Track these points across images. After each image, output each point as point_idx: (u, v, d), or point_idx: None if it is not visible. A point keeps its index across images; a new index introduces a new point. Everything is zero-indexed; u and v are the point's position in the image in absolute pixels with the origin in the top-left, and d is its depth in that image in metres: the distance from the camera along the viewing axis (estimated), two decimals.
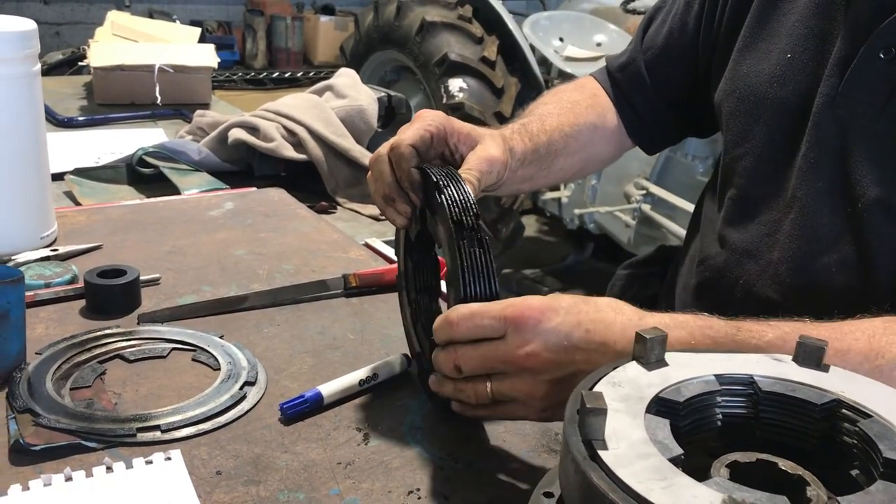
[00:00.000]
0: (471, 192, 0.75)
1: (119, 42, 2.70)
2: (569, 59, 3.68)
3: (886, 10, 0.81)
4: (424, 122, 0.84)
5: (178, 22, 3.73)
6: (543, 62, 3.65)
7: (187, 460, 0.69)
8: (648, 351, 0.57)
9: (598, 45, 3.88)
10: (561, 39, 3.80)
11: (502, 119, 3.26)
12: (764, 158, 0.93)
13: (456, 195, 0.73)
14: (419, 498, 0.66)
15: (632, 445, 0.48)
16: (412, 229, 0.83)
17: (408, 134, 0.82)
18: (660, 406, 0.53)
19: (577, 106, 1.10)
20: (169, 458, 0.69)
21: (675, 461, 0.47)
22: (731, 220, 0.96)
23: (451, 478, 0.69)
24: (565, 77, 3.68)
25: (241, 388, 0.79)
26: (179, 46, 2.64)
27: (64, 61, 3.60)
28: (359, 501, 0.65)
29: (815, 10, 0.88)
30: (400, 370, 0.84)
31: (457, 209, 0.72)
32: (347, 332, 0.93)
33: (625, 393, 0.54)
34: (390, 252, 1.19)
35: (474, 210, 0.72)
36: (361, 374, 0.81)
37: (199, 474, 0.68)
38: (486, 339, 0.67)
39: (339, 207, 1.70)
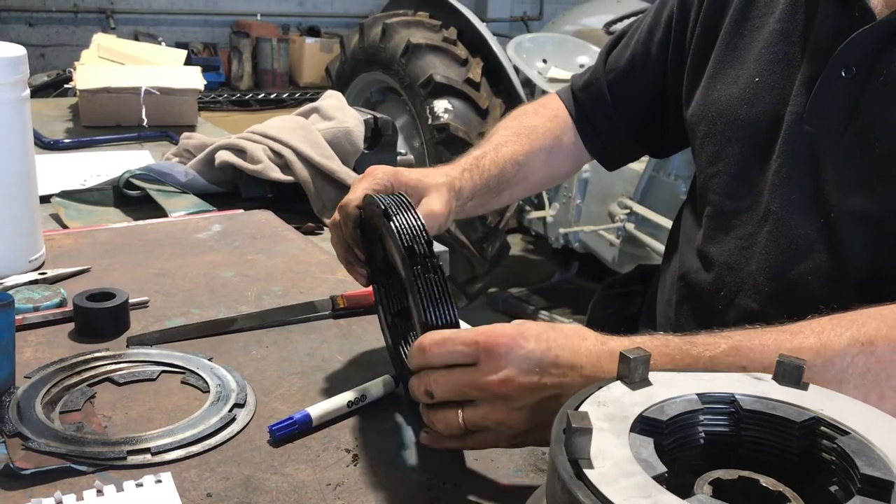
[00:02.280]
0: (421, 218, 0.76)
1: (105, 64, 2.70)
2: (552, 80, 3.72)
3: (844, 32, 0.85)
4: (373, 180, 0.88)
5: (163, 44, 3.75)
6: (527, 83, 3.69)
7: (178, 483, 0.69)
8: (632, 371, 0.58)
9: (581, 66, 3.93)
10: (544, 61, 3.85)
11: None
12: (738, 175, 0.96)
13: (406, 223, 0.74)
14: None
15: (617, 464, 0.49)
16: (377, 258, 0.86)
17: (356, 194, 0.86)
18: (644, 425, 0.55)
19: (535, 131, 1.14)
20: (159, 481, 0.69)
21: (658, 479, 0.49)
22: (709, 236, 0.99)
23: (440, 498, 0.70)
24: None
25: (230, 411, 0.80)
26: (165, 69, 2.65)
27: (49, 83, 3.60)
28: None
29: (779, 36, 0.93)
30: (386, 391, 0.85)
31: (407, 237, 0.73)
32: (336, 354, 0.94)
33: (609, 412, 0.55)
34: None
35: (425, 237, 0.73)
36: (349, 395, 0.82)
37: (190, 496, 0.68)
38: (458, 365, 0.68)
39: (325, 228, 1.71)
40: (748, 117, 0.94)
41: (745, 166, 0.95)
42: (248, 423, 0.79)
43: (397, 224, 0.74)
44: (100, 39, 2.91)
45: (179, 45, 3.89)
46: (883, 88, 0.83)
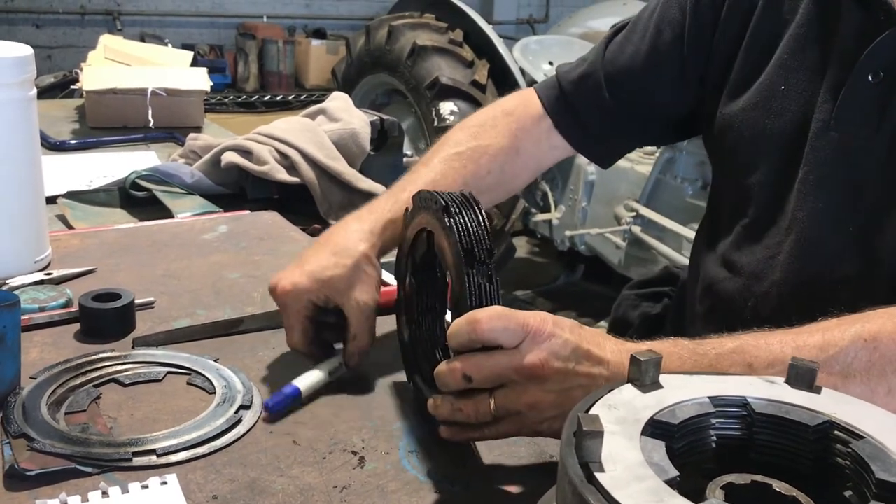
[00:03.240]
0: (485, 218, 0.74)
1: (112, 66, 2.71)
2: None
3: (869, 36, 0.83)
4: (297, 315, 0.88)
5: (170, 46, 3.76)
6: (533, 85, 3.69)
7: (183, 484, 0.69)
8: (643, 373, 0.58)
9: None
10: (551, 63, 3.84)
11: None
12: (764, 184, 0.95)
13: (468, 223, 0.71)
14: None
15: (628, 468, 0.49)
16: (417, 253, 0.84)
17: (295, 340, 0.89)
18: (655, 428, 0.54)
19: (485, 153, 1.07)
20: (165, 483, 0.69)
21: (670, 483, 0.48)
22: (735, 245, 0.98)
23: (447, 501, 0.69)
24: None
25: (236, 412, 0.80)
26: (172, 70, 2.65)
27: (56, 84, 3.60)
28: None
29: (802, 42, 0.91)
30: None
31: (467, 238, 0.71)
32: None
33: (620, 415, 0.54)
34: (384, 275, 1.20)
35: (487, 244, 0.71)
36: (329, 363, 0.86)
37: (196, 499, 0.68)
38: (499, 348, 0.68)
39: None
40: (775, 127, 0.93)
41: (772, 176, 0.94)
42: (254, 425, 0.78)
43: (457, 223, 0.71)
44: (106, 41, 2.91)
45: (185, 47, 3.89)
46: None
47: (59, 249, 1.19)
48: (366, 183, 1.79)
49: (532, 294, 3.96)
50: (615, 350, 0.70)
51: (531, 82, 3.66)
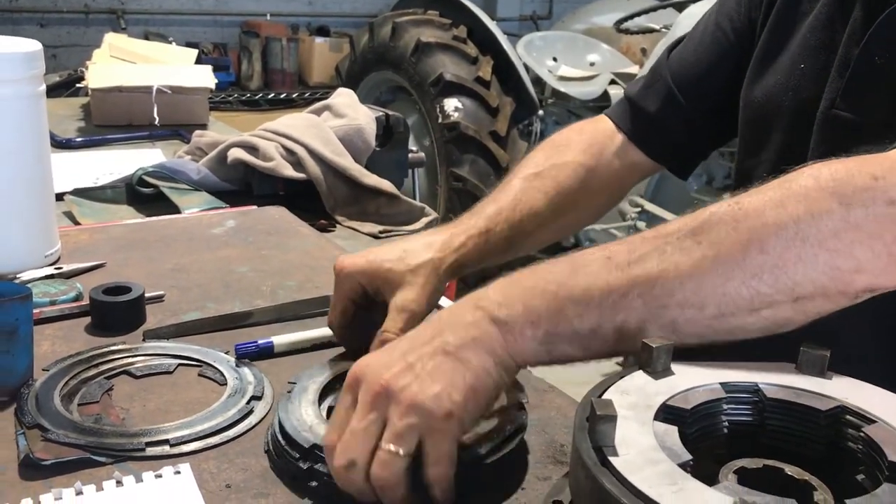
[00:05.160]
0: None
1: (117, 64, 2.71)
2: (562, 78, 3.71)
3: (876, 14, 0.84)
4: (343, 294, 0.87)
5: (174, 44, 3.76)
6: (538, 82, 3.69)
7: (196, 474, 0.69)
8: (655, 360, 0.58)
9: (592, 64, 3.92)
10: (555, 59, 3.84)
11: (497, 138, 3.29)
12: (778, 163, 0.95)
13: None
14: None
15: (641, 452, 0.49)
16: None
17: (333, 316, 0.89)
18: (667, 414, 0.54)
19: (563, 170, 1.04)
20: (178, 472, 0.69)
21: (684, 466, 0.48)
22: None
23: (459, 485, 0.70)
24: (559, 96, 3.72)
25: (248, 403, 0.80)
26: (177, 68, 2.66)
27: (61, 83, 3.61)
28: None
29: (824, 21, 0.92)
30: None
31: None
32: None
33: (632, 401, 0.55)
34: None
35: None
36: (316, 333, 0.92)
37: (209, 488, 0.68)
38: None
39: (337, 226, 1.71)
40: (792, 106, 0.93)
41: (786, 155, 0.94)
42: (265, 415, 0.79)
43: None
44: (111, 39, 2.92)
45: (189, 46, 3.89)
46: None
47: (69, 244, 1.20)
48: (371, 179, 1.79)
49: None
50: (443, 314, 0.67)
51: (535, 79, 3.66)
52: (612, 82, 3.56)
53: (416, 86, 3.43)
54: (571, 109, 3.76)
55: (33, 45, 1.06)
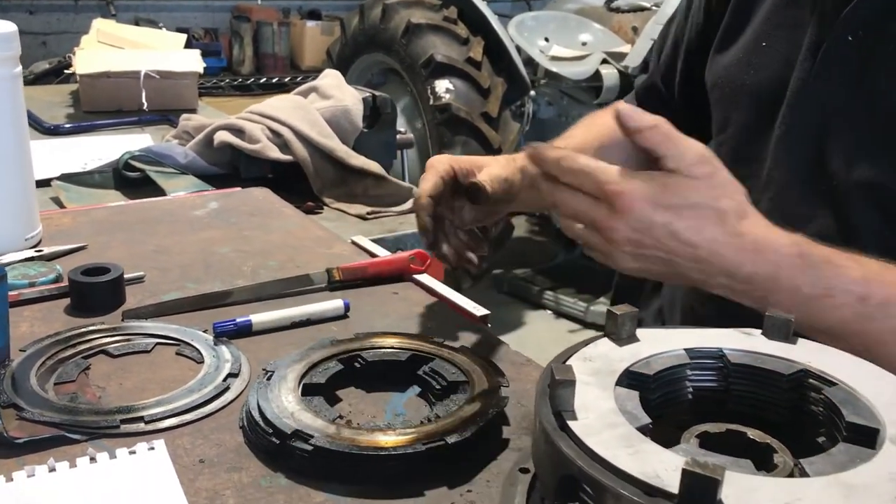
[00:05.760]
0: None
1: (105, 49, 2.70)
2: (554, 58, 3.70)
3: None
4: (436, 171, 0.94)
5: (164, 29, 3.74)
6: (529, 62, 3.67)
7: (171, 450, 0.70)
8: (619, 327, 0.58)
9: (584, 44, 3.90)
10: (546, 39, 3.82)
11: (489, 119, 3.28)
12: (742, 142, 0.95)
13: None
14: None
15: (601, 416, 0.49)
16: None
17: (424, 187, 0.93)
18: (630, 379, 0.55)
19: (605, 125, 1.08)
20: (152, 448, 0.69)
21: (643, 430, 0.48)
22: None
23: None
24: (551, 77, 3.70)
25: (224, 380, 0.80)
26: (165, 52, 2.65)
27: (50, 70, 3.60)
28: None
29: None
30: (334, 315, 0.95)
31: None
32: (331, 325, 0.94)
33: (596, 367, 0.55)
34: (377, 249, 1.20)
35: None
36: (295, 312, 0.92)
37: (183, 462, 0.68)
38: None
39: (325, 207, 1.71)
40: (754, 83, 0.93)
41: (750, 133, 0.94)
42: (241, 392, 0.79)
43: None
44: (99, 25, 2.90)
45: (180, 31, 3.88)
46: (890, 56, 0.81)
47: (51, 228, 1.20)
48: (358, 160, 1.79)
49: (531, 272, 3.97)
50: (717, 239, 0.68)
51: (527, 59, 3.65)
52: (604, 62, 3.54)
53: (408, 68, 3.41)
54: (564, 90, 3.75)
55: (7, 27, 1.05)
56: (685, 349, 0.58)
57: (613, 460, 0.45)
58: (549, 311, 3.67)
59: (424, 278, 1.09)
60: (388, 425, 0.73)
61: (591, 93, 3.62)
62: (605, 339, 0.58)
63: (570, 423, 0.48)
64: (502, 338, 0.93)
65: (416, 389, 0.81)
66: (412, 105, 3.50)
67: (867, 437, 0.48)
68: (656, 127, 0.69)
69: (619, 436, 0.47)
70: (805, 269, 0.69)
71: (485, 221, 1.00)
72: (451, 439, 0.67)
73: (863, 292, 0.69)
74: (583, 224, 0.71)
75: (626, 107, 0.70)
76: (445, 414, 0.72)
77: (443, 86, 3.27)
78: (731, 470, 0.44)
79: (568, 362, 0.55)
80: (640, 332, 0.59)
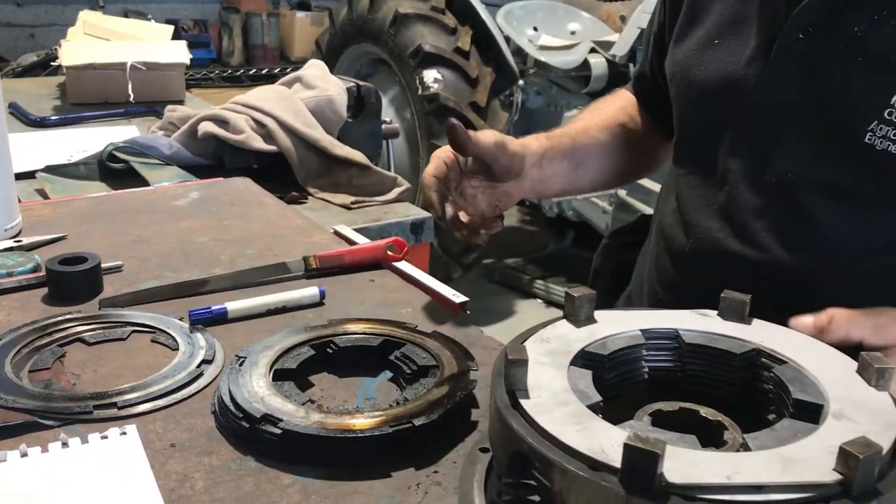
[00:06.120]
0: None
1: (90, 41, 2.70)
2: (543, 47, 3.70)
3: None
4: (437, 157, 0.97)
5: (153, 21, 3.73)
6: (519, 52, 3.67)
7: (143, 434, 0.71)
8: (577, 309, 0.59)
9: (572, 33, 3.91)
10: (535, 29, 3.82)
11: (478, 109, 3.28)
12: (695, 137, 0.98)
13: None
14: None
15: (553, 394, 0.50)
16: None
17: (427, 170, 0.96)
18: (586, 359, 0.56)
19: (607, 108, 1.15)
20: (124, 433, 0.70)
21: (593, 407, 0.50)
22: (680, 195, 1.01)
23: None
24: (540, 66, 3.71)
25: (198, 366, 0.81)
26: (151, 44, 2.65)
27: (38, 63, 3.59)
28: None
29: None
30: (309, 302, 0.95)
31: None
32: (307, 312, 0.95)
33: (552, 348, 0.56)
34: (357, 237, 1.21)
35: None
36: (271, 299, 0.93)
37: (154, 447, 0.69)
38: None
39: (309, 197, 1.72)
40: (703, 80, 0.94)
41: (704, 129, 0.95)
42: (215, 378, 0.80)
43: None
44: (86, 16, 2.89)
45: (169, 22, 3.85)
46: (842, 53, 0.82)
47: (31, 218, 1.20)
48: (343, 150, 1.79)
49: (523, 262, 3.98)
50: None
51: (515, 49, 3.65)
52: (592, 50, 3.54)
53: (396, 58, 3.41)
54: (552, 79, 3.75)
55: None
56: (641, 330, 0.59)
57: (562, 437, 0.46)
58: (540, 300, 3.68)
59: (403, 266, 1.10)
60: (357, 408, 0.74)
61: (579, 82, 3.62)
62: (564, 321, 0.59)
63: (523, 402, 0.49)
64: (492, 326, 0.95)
65: (388, 374, 0.82)
66: (401, 95, 3.51)
67: (812, 413, 0.49)
68: (834, 320, 0.70)
69: (569, 413, 0.48)
70: None
71: (500, 205, 1.00)
72: (418, 421, 0.69)
73: None
74: None
75: (796, 320, 0.70)
76: (414, 397, 0.73)
77: (431, 76, 3.27)
78: (676, 445, 0.45)
79: (526, 343, 0.56)
80: (598, 314, 0.60)
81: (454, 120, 0.91)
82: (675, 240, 1.00)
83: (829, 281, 0.85)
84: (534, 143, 1.03)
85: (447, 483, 0.66)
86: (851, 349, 0.71)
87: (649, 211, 3.07)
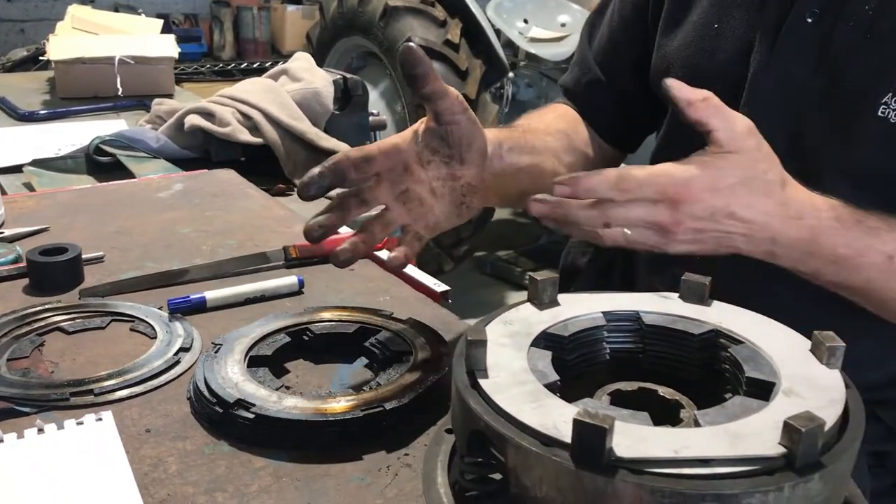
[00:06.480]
0: None
1: (79, 35, 2.70)
2: (533, 40, 3.70)
3: None
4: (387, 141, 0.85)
5: (143, 15, 3.73)
6: (509, 44, 3.67)
7: (118, 420, 0.72)
8: (541, 292, 0.60)
9: (563, 25, 3.90)
10: (525, 21, 3.82)
11: (468, 101, 3.28)
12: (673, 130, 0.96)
13: None
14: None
15: (512, 374, 0.51)
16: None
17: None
18: (547, 341, 0.57)
19: (544, 117, 1.10)
20: (100, 419, 0.71)
21: (550, 386, 0.51)
22: None
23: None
24: (531, 58, 3.71)
25: (175, 354, 0.82)
26: (140, 38, 2.64)
27: (28, 58, 3.58)
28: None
29: None
30: (288, 291, 0.96)
31: None
32: (285, 301, 0.96)
33: (514, 330, 0.57)
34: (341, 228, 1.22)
35: None
36: (249, 288, 0.94)
37: (129, 432, 0.70)
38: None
39: (296, 189, 1.72)
40: (710, 67, 0.93)
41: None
42: (192, 366, 0.81)
43: None
44: (74, 11, 2.89)
45: (160, 17, 3.86)
46: (852, 34, 0.82)
47: (15, 211, 1.21)
48: (329, 142, 1.80)
49: (514, 254, 3.99)
50: (770, 211, 0.71)
51: (506, 42, 3.65)
52: None
53: (386, 51, 3.41)
54: (543, 71, 3.75)
55: None
56: (603, 312, 0.60)
57: (517, 414, 0.47)
58: None
59: (384, 255, 1.11)
60: (330, 393, 0.75)
61: None
62: (528, 304, 0.60)
63: (481, 382, 0.50)
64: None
65: (364, 361, 0.83)
66: (392, 88, 3.51)
67: (764, 391, 0.50)
68: (707, 100, 0.70)
69: (526, 392, 0.49)
70: (841, 231, 0.73)
71: (465, 202, 0.86)
72: (389, 405, 0.70)
73: (891, 251, 0.73)
74: (639, 228, 0.70)
75: (674, 81, 0.71)
76: (386, 382, 0.74)
77: None
78: (628, 422, 0.47)
79: (489, 326, 0.57)
80: (561, 297, 0.61)
81: (412, 43, 0.76)
82: None
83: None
84: (488, 132, 0.91)
85: (417, 465, 0.67)
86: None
87: None
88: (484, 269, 3.89)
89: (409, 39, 3.27)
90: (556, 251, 4.39)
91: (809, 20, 0.85)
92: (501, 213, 4.29)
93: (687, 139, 0.95)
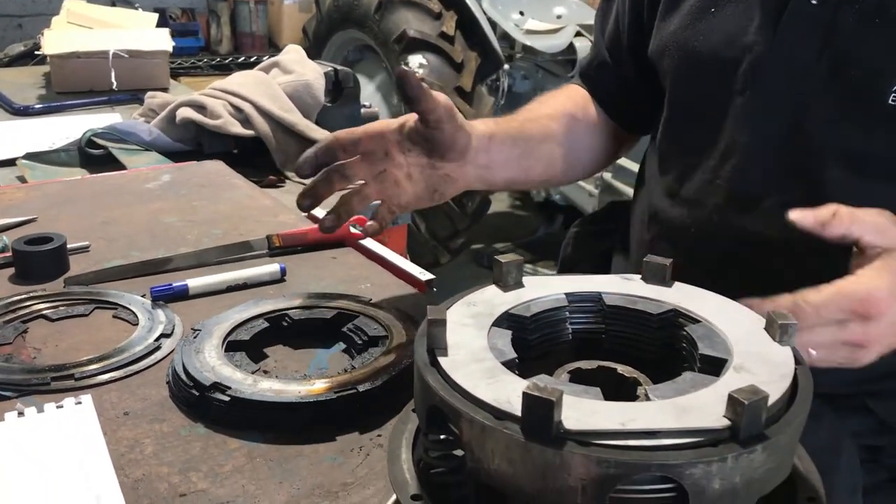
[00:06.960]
0: None
1: (74, 30, 2.71)
2: (529, 32, 3.70)
3: None
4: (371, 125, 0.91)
5: (140, 9, 3.73)
6: (505, 37, 3.67)
7: (97, 404, 0.73)
8: (505, 275, 0.61)
9: (559, 17, 3.91)
10: (521, 13, 3.82)
11: (463, 94, 3.29)
12: (699, 110, 0.94)
13: None
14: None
15: (471, 352, 0.53)
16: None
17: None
18: (509, 321, 0.58)
19: (553, 100, 1.11)
20: (80, 403, 0.73)
21: (508, 364, 0.52)
22: (676, 173, 0.98)
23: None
24: (527, 50, 3.71)
25: (156, 340, 0.83)
26: (134, 32, 2.66)
27: (25, 53, 3.60)
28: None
29: None
30: (270, 279, 0.98)
31: None
32: (267, 289, 0.97)
33: (477, 311, 0.58)
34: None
35: None
36: (231, 276, 0.95)
37: (108, 415, 0.72)
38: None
39: (287, 181, 1.74)
40: (704, 50, 0.92)
41: (707, 101, 0.93)
42: (172, 351, 0.82)
43: None
44: (69, 5, 2.90)
45: (157, 11, 3.86)
46: (858, 17, 0.81)
47: (4, 202, 1.22)
48: (320, 133, 1.81)
49: (512, 246, 4.00)
50: None
51: (502, 34, 3.65)
52: (578, 34, 3.55)
53: (381, 44, 3.42)
54: (539, 63, 3.76)
55: None
56: (565, 293, 0.61)
57: (472, 390, 0.48)
58: None
59: (368, 243, 1.12)
60: (305, 377, 0.77)
61: (566, 66, 3.63)
62: (493, 286, 0.62)
63: (440, 359, 0.51)
64: None
65: (342, 346, 0.84)
66: (387, 81, 3.52)
67: (716, 367, 0.52)
68: (836, 213, 0.69)
69: (483, 369, 0.50)
70: None
71: (439, 191, 0.92)
72: (363, 387, 0.71)
73: None
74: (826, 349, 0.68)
75: (795, 214, 0.70)
76: (361, 365, 0.76)
77: (416, 61, 3.28)
78: (580, 397, 0.48)
79: (452, 307, 0.58)
80: (526, 279, 0.62)
81: (405, 67, 0.87)
82: (674, 222, 0.97)
83: (844, 257, 0.83)
84: (480, 125, 0.96)
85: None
86: (848, 248, 0.71)
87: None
88: (481, 261, 3.90)
89: (404, 32, 3.28)
90: (554, 243, 4.39)
91: (814, 2, 0.83)
92: (498, 206, 4.30)
93: (686, 121, 0.96)
